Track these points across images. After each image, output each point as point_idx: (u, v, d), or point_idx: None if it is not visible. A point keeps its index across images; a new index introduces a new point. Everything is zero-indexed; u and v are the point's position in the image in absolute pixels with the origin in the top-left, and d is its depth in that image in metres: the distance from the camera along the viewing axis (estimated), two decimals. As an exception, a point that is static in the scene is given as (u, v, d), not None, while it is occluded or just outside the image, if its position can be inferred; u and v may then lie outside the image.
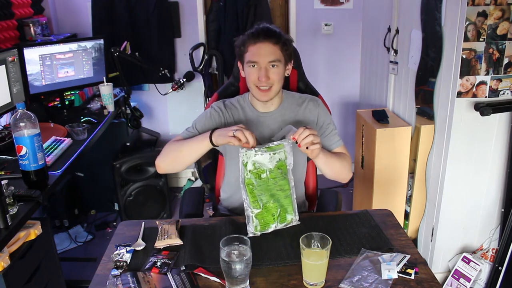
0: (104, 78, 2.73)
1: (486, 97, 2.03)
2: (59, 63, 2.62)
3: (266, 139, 1.51)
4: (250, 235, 1.33)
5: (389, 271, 1.18)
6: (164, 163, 1.50)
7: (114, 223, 3.11)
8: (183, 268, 1.21)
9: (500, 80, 2.01)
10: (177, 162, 1.48)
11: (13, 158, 1.85)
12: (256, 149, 1.31)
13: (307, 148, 1.31)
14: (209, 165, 1.98)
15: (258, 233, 1.35)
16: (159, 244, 1.33)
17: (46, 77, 2.56)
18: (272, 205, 1.34)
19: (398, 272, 1.19)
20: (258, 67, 1.45)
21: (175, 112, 3.57)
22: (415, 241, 2.53)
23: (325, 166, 1.47)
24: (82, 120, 2.51)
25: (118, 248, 1.30)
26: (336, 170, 1.51)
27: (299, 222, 1.40)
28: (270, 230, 1.36)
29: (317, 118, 1.58)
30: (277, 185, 1.35)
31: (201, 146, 1.42)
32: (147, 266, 1.24)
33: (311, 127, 1.33)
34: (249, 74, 1.48)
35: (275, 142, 1.35)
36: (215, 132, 1.38)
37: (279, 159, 1.35)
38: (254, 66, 1.45)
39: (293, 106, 1.59)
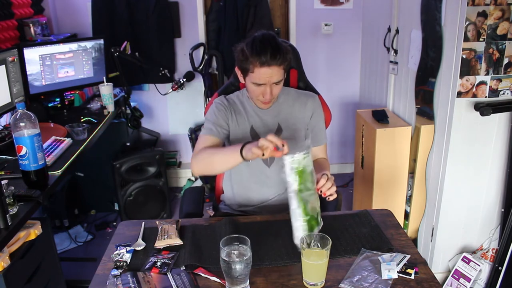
0: (104, 78, 2.73)
1: (486, 97, 2.03)
2: (59, 63, 2.61)
3: (263, 131, 1.59)
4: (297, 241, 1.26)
5: (389, 271, 1.18)
6: (197, 169, 1.51)
7: (114, 223, 3.11)
8: (183, 268, 1.22)
9: (500, 80, 2.01)
10: (210, 170, 1.54)
11: (13, 158, 1.85)
12: (303, 152, 1.22)
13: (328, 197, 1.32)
14: (209, 165, 1.98)
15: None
16: (159, 244, 1.33)
17: (46, 77, 2.56)
18: (312, 209, 1.28)
19: (398, 272, 1.19)
20: (263, 86, 1.48)
21: (175, 112, 3.56)
22: (415, 241, 2.53)
23: None
24: (82, 120, 2.51)
25: (118, 248, 1.30)
26: None
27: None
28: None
29: (312, 113, 1.66)
30: (312, 189, 1.28)
31: (232, 160, 1.38)
32: (147, 266, 1.24)
33: (329, 176, 1.33)
34: (253, 90, 1.52)
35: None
36: (245, 148, 1.31)
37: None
38: (259, 86, 1.48)
39: (290, 101, 1.65)
